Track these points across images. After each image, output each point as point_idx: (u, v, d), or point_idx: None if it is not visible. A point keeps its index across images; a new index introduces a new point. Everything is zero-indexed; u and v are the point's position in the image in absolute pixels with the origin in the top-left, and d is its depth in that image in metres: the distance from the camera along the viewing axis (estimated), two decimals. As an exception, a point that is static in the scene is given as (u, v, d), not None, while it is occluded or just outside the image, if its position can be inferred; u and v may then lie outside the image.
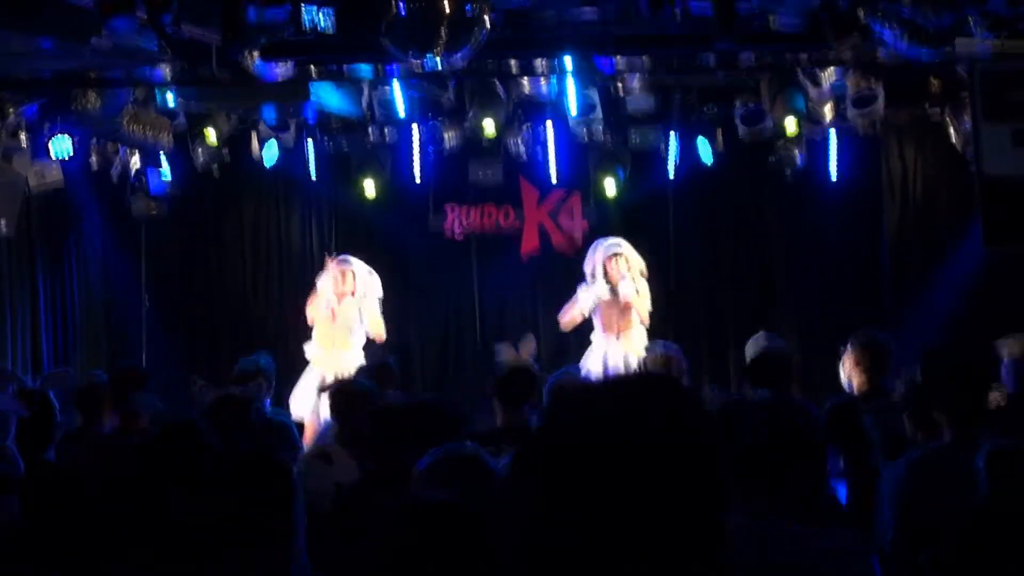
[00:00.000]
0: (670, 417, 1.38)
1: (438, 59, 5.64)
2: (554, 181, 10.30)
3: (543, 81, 8.70)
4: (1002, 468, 3.56)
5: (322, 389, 6.31)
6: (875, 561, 4.00)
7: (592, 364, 8.22)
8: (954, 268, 9.76)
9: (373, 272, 8.77)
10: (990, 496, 3.45)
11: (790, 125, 8.95)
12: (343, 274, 8.57)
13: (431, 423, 4.12)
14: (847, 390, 5.76)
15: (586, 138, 9.80)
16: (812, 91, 8.54)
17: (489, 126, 9.13)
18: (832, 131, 9.57)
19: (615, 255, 8.41)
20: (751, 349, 6.63)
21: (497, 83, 8.89)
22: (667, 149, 9.91)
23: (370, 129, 9.82)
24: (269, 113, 9.04)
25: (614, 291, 8.30)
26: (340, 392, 5.39)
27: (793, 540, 3.54)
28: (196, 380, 7.17)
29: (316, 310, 8.53)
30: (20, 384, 6.27)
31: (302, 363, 8.56)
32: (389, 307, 10.86)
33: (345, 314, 8.50)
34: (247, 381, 6.26)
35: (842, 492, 5.33)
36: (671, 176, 10.14)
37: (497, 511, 1.64)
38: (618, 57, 7.60)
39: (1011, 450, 3.57)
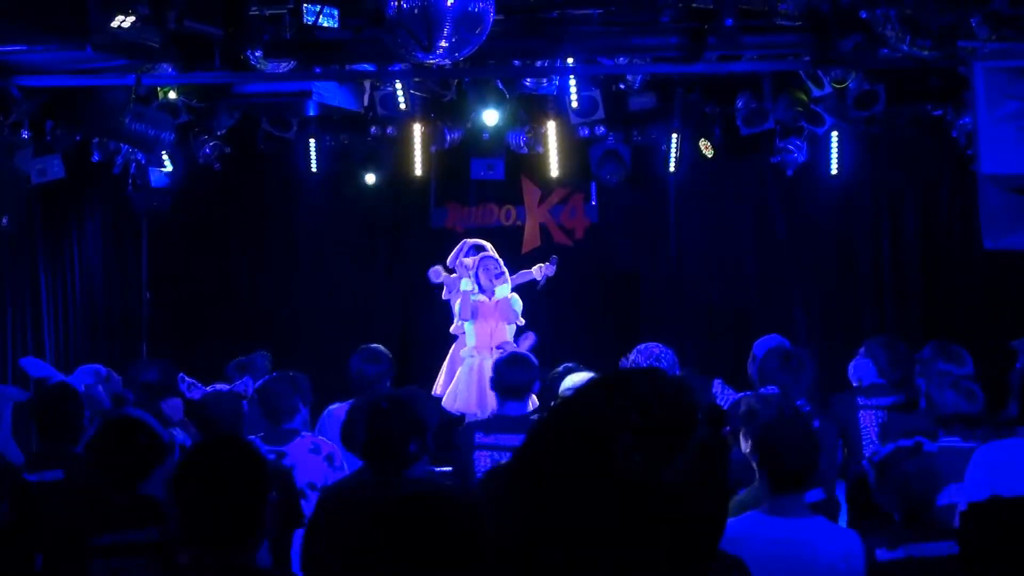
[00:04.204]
0: (666, 415, 1.39)
1: (440, 59, 5.64)
2: (555, 179, 10.31)
3: (544, 79, 8.70)
4: None
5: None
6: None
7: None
8: (954, 267, 9.78)
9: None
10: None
11: (792, 124, 8.96)
12: (487, 264, 8.41)
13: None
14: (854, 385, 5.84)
15: (588, 136, 9.80)
16: (814, 90, 8.55)
17: (490, 117, 9.17)
18: (833, 130, 9.58)
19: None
20: (762, 349, 6.64)
21: (499, 81, 8.90)
22: (669, 147, 9.92)
23: (371, 126, 9.84)
24: (271, 109, 9.05)
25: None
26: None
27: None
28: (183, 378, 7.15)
29: (463, 309, 8.31)
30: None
31: (302, 358, 8.55)
32: (391, 303, 10.90)
33: (500, 304, 8.32)
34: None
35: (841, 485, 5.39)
36: (672, 174, 10.15)
37: (495, 508, 1.65)
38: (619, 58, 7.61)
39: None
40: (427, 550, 2.25)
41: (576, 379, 5.84)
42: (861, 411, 5.81)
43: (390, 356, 6.41)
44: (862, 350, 6.16)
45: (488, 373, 6.49)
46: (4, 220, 8.37)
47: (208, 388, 5.18)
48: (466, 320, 8.29)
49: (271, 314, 10.75)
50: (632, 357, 6.35)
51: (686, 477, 1.37)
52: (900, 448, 3.91)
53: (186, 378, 5.67)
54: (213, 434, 4.80)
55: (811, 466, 3.93)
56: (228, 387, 5.13)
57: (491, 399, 6.26)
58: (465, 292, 8.34)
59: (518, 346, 7.48)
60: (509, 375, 5.66)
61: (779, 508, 3.80)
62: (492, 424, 5.58)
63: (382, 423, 4.08)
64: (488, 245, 8.64)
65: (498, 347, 7.77)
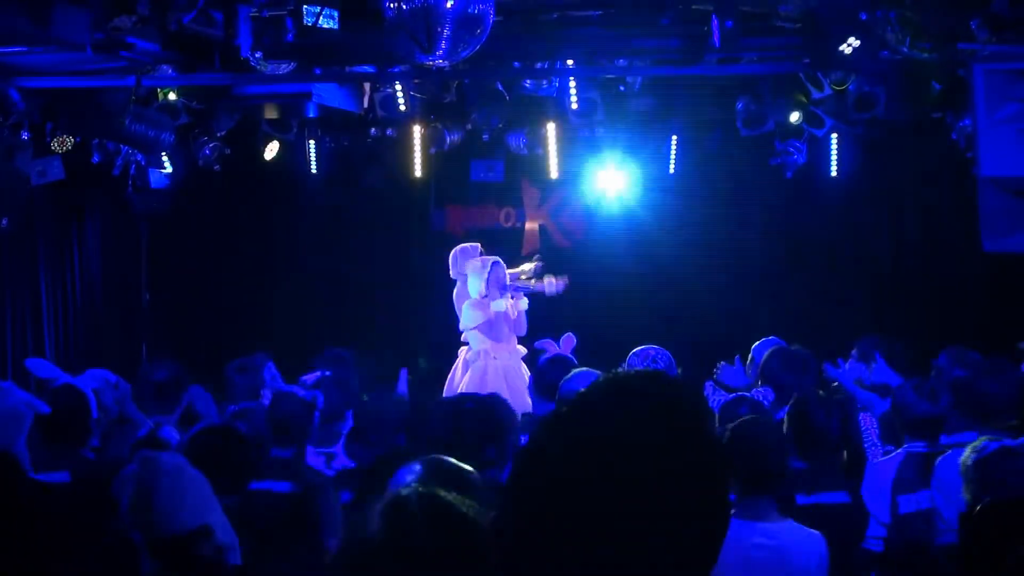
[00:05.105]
0: (670, 420, 1.39)
1: (440, 60, 5.64)
2: (555, 181, 10.30)
3: (544, 80, 8.71)
4: None
5: None
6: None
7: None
8: (954, 269, 9.78)
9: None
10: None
11: (791, 126, 8.96)
12: (499, 273, 8.52)
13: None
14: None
15: (588, 137, 9.80)
16: (813, 92, 8.55)
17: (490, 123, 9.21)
18: (833, 132, 9.58)
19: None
20: (760, 352, 6.63)
21: (498, 83, 8.90)
22: (669, 148, 9.92)
23: (371, 127, 9.84)
24: (271, 110, 9.06)
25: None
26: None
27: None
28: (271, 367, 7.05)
29: (477, 310, 8.41)
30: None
31: (301, 359, 8.52)
32: (390, 305, 10.90)
33: (511, 307, 8.52)
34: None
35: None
36: (672, 175, 10.15)
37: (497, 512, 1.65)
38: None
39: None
40: (424, 547, 2.23)
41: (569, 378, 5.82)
42: (861, 413, 5.80)
43: (353, 359, 6.42)
44: (855, 352, 6.14)
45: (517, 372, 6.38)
46: (4, 221, 8.38)
47: (286, 387, 5.16)
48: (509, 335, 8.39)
49: (271, 315, 10.76)
50: (628, 360, 6.35)
51: (687, 478, 1.37)
52: (1005, 447, 3.90)
53: (273, 369, 5.65)
54: (279, 434, 4.78)
55: (781, 467, 3.90)
56: (303, 392, 5.08)
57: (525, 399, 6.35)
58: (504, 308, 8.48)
59: (560, 347, 7.56)
60: (552, 375, 5.65)
61: (750, 511, 3.74)
62: (522, 426, 5.58)
63: (461, 423, 4.07)
64: (479, 246, 8.68)
65: (537, 345, 7.81)
